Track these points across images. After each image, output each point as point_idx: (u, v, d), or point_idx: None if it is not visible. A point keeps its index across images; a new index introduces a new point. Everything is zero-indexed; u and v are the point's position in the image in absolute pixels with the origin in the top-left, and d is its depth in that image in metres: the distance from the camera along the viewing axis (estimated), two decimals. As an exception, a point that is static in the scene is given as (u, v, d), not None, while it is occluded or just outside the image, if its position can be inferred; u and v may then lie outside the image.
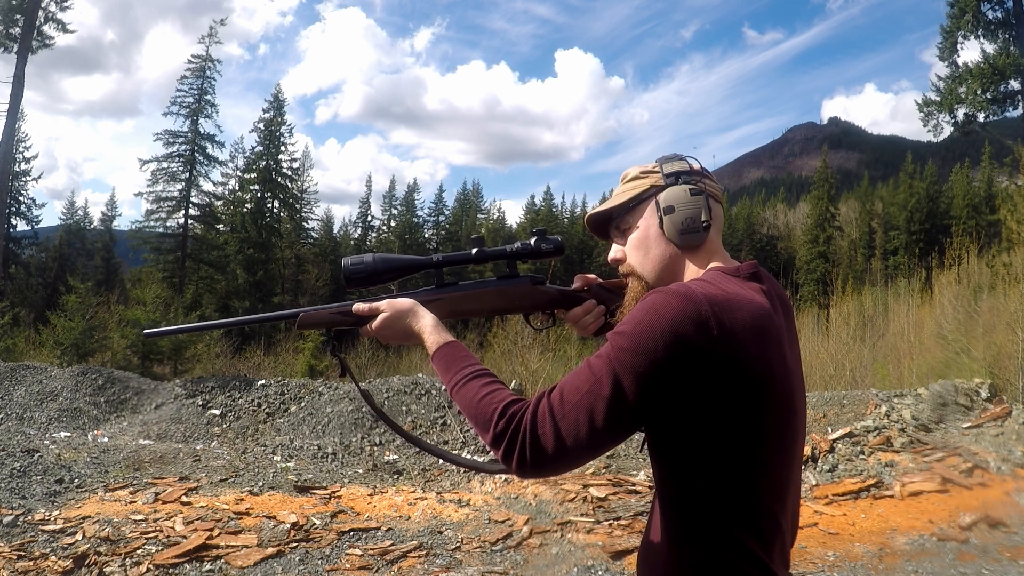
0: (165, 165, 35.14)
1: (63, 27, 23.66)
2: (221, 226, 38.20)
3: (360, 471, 7.34)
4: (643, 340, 1.02)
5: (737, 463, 1.06)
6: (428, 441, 8.56)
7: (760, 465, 1.08)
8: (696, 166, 1.28)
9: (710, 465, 1.06)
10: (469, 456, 7.90)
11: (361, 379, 15.40)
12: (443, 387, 9.72)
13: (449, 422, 8.92)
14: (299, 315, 1.34)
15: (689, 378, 1.01)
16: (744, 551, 1.08)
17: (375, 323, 1.32)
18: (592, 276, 1.48)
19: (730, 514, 1.08)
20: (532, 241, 1.40)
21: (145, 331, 1.40)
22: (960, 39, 21.38)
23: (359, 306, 1.33)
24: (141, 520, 5.14)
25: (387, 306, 1.32)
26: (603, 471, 6.93)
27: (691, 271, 1.23)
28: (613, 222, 1.31)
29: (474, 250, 1.37)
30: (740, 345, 1.03)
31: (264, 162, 40.24)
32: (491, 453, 1.12)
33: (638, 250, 1.27)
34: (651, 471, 1.26)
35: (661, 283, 1.24)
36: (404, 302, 1.31)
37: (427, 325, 1.29)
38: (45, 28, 23.24)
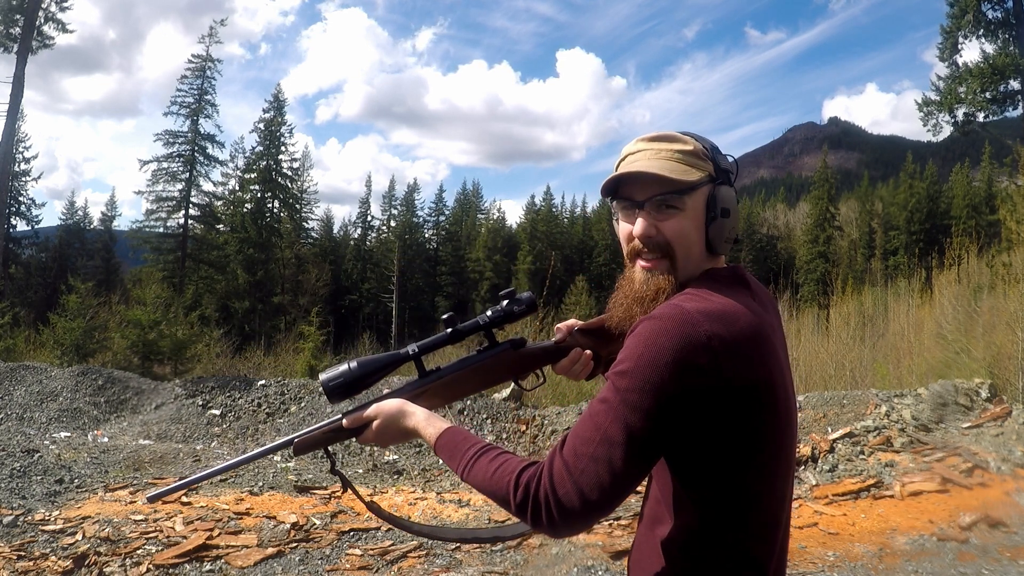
0: (165, 165, 35.21)
1: (63, 27, 23.66)
2: (221, 226, 38.23)
3: (360, 471, 7.34)
4: (646, 376, 0.99)
5: (742, 472, 1.06)
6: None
7: (761, 472, 1.08)
8: (734, 169, 1.23)
9: (717, 477, 1.06)
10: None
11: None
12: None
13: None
14: (294, 442, 1.33)
15: (699, 402, 1.00)
16: (747, 559, 1.08)
17: (370, 433, 1.30)
18: (572, 322, 1.43)
19: (734, 523, 1.07)
20: (503, 304, 1.37)
21: (148, 495, 1.38)
22: (960, 39, 21.38)
23: (348, 421, 1.31)
24: (141, 520, 5.14)
25: (375, 412, 1.29)
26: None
27: (701, 272, 1.19)
28: (662, 193, 1.14)
29: (448, 330, 1.34)
30: (743, 358, 1.02)
31: (264, 162, 40.27)
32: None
33: (683, 237, 1.15)
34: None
35: (686, 275, 1.17)
36: (391, 405, 1.28)
37: (420, 421, 1.25)
38: (45, 28, 23.23)
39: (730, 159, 1.23)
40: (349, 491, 1.41)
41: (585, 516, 1.02)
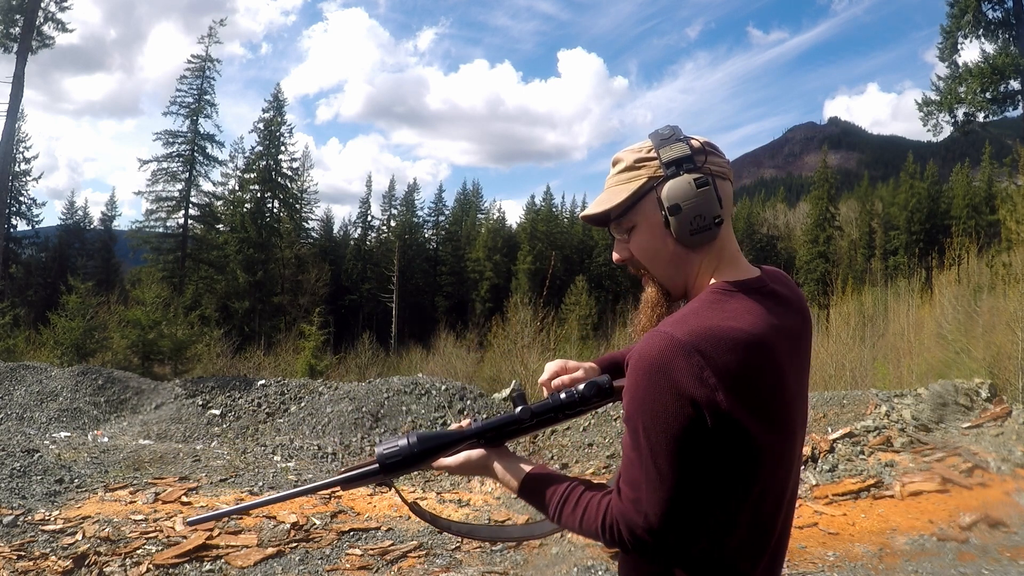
0: (165, 165, 35.21)
1: (63, 27, 23.66)
2: (221, 226, 38.21)
3: (360, 471, 7.35)
4: (649, 422, 1.02)
5: (737, 493, 1.06)
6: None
7: (759, 492, 1.08)
8: (697, 144, 1.15)
9: (714, 497, 1.06)
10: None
11: (361, 379, 15.38)
12: (443, 387, 9.65)
13: (449, 422, 8.92)
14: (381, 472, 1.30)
15: (702, 427, 1.01)
16: (730, 572, 1.09)
17: (449, 466, 1.30)
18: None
19: (718, 536, 1.08)
20: (579, 392, 1.28)
21: (188, 520, 1.38)
22: (960, 39, 21.38)
23: (439, 464, 1.31)
24: (141, 520, 5.14)
25: (465, 459, 1.29)
26: (603, 471, 6.94)
27: (701, 269, 1.18)
28: (612, 220, 1.21)
29: (527, 416, 1.27)
30: (735, 383, 1.01)
31: (264, 162, 40.27)
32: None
33: (646, 251, 1.19)
34: None
35: (673, 284, 1.20)
36: (478, 455, 1.29)
37: (499, 475, 1.27)
38: (45, 28, 23.24)
39: (692, 139, 1.16)
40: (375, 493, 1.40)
41: (661, 542, 1.07)
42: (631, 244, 1.21)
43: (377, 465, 1.28)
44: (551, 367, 1.36)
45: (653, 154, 1.16)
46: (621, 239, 1.23)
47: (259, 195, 40.12)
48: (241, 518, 5.28)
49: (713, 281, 1.16)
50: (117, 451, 7.40)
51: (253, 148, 40.81)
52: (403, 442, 1.27)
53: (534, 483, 1.23)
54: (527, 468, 1.25)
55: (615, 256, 1.25)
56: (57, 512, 5.31)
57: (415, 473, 7.38)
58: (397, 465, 1.27)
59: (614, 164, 1.22)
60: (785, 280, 1.24)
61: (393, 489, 1.39)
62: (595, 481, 1.21)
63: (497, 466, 1.27)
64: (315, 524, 5.29)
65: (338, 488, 1.33)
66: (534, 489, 1.23)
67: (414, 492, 6.53)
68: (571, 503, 1.17)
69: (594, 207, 1.21)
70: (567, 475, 1.23)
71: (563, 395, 1.26)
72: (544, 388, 1.34)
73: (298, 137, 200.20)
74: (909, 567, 4.57)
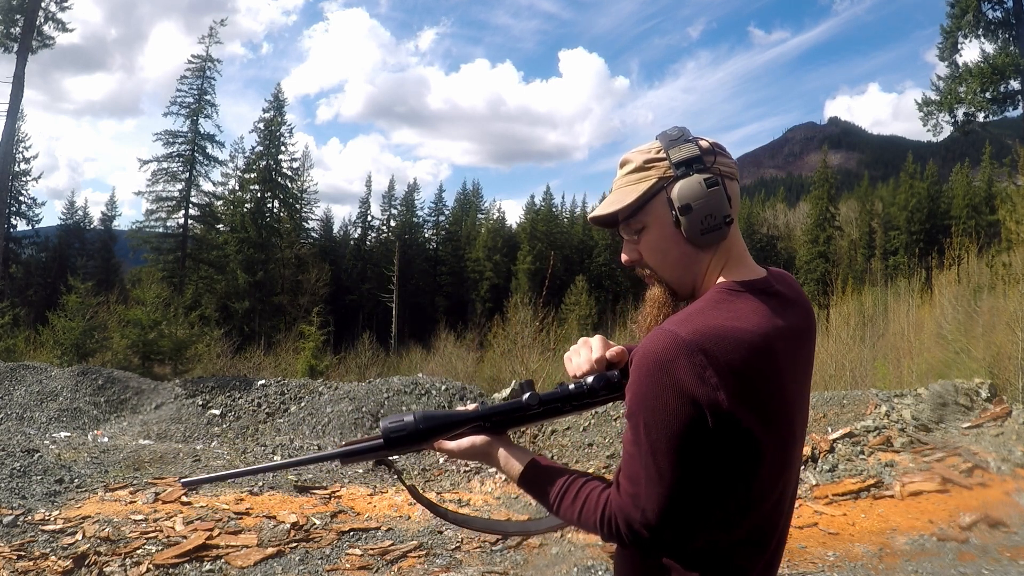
0: (165, 165, 35.23)
1: (63, 27, 23.67)
2: (221, 226, 38.22)
3: (360, 471, 7.34)
4: (651, 418, 1.03)
5: (737, 492, 1.07)
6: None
7: (758, 491, 1.09)
8: (706, 144, 1.16)
9: (714, 496, 1.07)
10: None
11: (361, 379, 15.39)
12: (443, 387, 9.62)
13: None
14: (384, 449, 1.27)
15: (703, 427, 1.02)
16: (730, 568, 1.10)
17: (452, 450, 1.29)
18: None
19: (729, 540, 1.08)
20: (587, 384, 1.26)
21: (184, 480, 1.35)
22: (960, 39, 21.38)
23: (441, 444, 1.29)
24: (141, 520, 5.14)
25: (469, 444, 1.27)
26: (603, 471, 6.94)
27: (710, 268, 1.18)
28: (622, 221, 1.21)
29: (534, 403, 1.25)
30: (739, 383, 1.02)
31: (264, 162, 40.29)
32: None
33: (656, 252, 1.19)
34: None
35: (681, 283, 1.19)
36: (482, 441, 1.27)
37: (501, 464, 1.26)
38: (45, 28, 23.24)
39: (701, 140, 1.17)
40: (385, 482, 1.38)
41: (658, 538, 1.07)
42: (640, 245, 1.20)
43: (381, 440, 1.26)
44: (596, 342, 1.31)
45: (662, 155, 1.16)
46: (630, 240, 1.22)
47: (259, 195, 40.14)
48: (241, 518, 5.28)
49: (720, 280, 1.16)
50: (117, 451, 7.40)
51: (253, 148, 40.90)
52: (409, 418, 1.26)
53: (535, 473, 1.22)
54: (530, 457, 1.24)
55: (624, 258, 1.24)
56: (57, 512, 5.31)
57: (414, 473, 7.39)
58: (401, 441, 1.25)
59: (622, 165, 1.21)
60: (790, 281, 1.24)
61: (392, 469, 1.37)
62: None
63: (500, 453, 1.25)
64: (315, 524, 5.29)
65: (338, 461, 1.30)
66: (535, 479, 1.22)
67: (414, 492, 6.53)
68: (571, 495, 1.16)
69: (603, 208, 1.21)
70: (569, 468, 1.23)
71: (571, 386, 1.25)
72: (596, 364, 1.26)
73: (298, 137, 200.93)
74: (909, 567, 4.58)
